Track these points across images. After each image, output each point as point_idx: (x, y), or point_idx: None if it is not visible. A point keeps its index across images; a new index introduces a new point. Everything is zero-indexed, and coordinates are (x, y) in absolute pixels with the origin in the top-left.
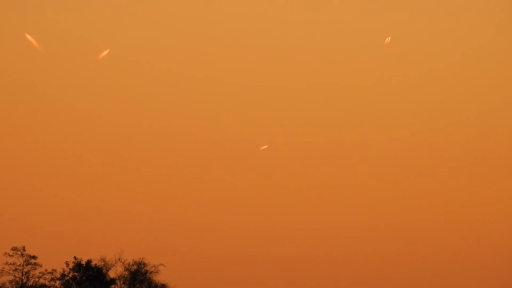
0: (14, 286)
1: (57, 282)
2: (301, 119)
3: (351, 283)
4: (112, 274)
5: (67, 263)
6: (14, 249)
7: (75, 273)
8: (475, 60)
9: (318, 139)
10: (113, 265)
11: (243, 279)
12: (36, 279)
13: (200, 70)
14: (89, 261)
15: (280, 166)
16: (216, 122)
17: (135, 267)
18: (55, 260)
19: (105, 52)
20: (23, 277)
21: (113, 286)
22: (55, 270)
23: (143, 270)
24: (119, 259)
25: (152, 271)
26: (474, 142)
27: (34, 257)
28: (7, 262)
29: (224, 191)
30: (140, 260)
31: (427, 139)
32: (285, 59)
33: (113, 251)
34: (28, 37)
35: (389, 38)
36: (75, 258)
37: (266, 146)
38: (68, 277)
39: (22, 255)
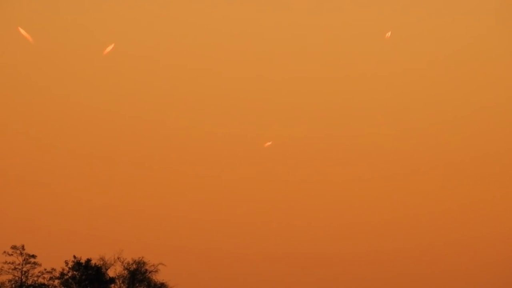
0: (13, 285)
1: (56, 281)
2: (305, 115)
3: (355, 280)
4: (111, 273)
5: (66, 262)
6: (14, 248)
7: (75, 272)
8: (477, 57)
9: (322, 135)
10: (112, 264)
11: (245, 278)
12: (35, 278)
13: (205, 66)
14: (88, 260)
15: (285, 163)
16: (220, 118)
17: (134, 266)
18: (54, 259)
19: (109, 48)
20: (22, 276)
21: (113, 285)
22: (54, 269)
23: (142, 269)
24: (118, 258)
25: (152, 271)
26: (477, 137)
27: (33, 256)
28: (6, 261)
29: (227, 189)
30: (140, 259)
31: (430, 135)
32: (288, 55)
33: (112, 250)
34: (22, 31)
35: (390, 33)
36: (74, 257)
37: (270, 143)
38: (67, 276)
39: (21, 254)
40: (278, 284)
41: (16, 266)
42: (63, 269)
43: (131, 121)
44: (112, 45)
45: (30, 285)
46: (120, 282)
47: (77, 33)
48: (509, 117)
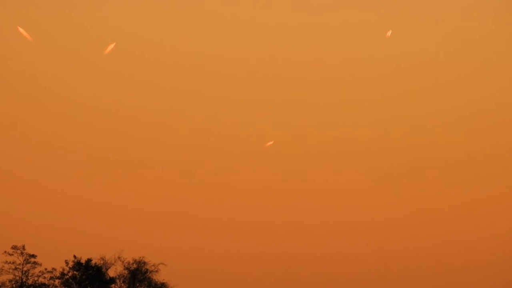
0: (13, 285)
1: (57, 281)
2: (307, 114)
3: (356, 280)
4: (111, 273)
5: (66, 262)
6: (14, 248)
7: (75, 272)
8: (478, 56)
9: (324, 135)
10: (113, 264)
11: (245, 278)
12: (36, 278)
13: (206, 65)
14: (88, 260)
15: (286, 163)
16: (220, 118)
17: (135, 266)
18: (55, 259)
19: (110, 47)
20: (22, 276)
21: (113, 285)
22: (55, 269)
23: (143, 269)
24: (118, 258)
25: (152, 270)
26: (477, 137)
27: (33, 256)
28: (6, 261)
29: (228, 188)
30: (140, 259)
31: (430, 134)
32: (289, 55)
33: (113, 250)
34: (22, 30)
35: (390, 32)
36: (74, 257)
37: (271, 142)
38: (67, 276)
39: (22, 254)
40: (278, 284)
41: (17, 266)
42: (63, 269)
43: (131, 120)
44: (113, 44)
45: (31, 285)
46: (121, 282)
47: (78, 33)
48: (509, 117)
